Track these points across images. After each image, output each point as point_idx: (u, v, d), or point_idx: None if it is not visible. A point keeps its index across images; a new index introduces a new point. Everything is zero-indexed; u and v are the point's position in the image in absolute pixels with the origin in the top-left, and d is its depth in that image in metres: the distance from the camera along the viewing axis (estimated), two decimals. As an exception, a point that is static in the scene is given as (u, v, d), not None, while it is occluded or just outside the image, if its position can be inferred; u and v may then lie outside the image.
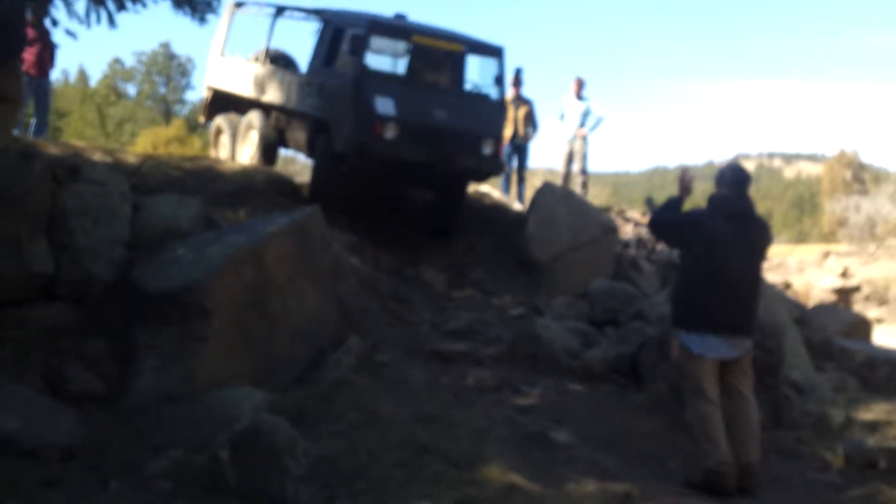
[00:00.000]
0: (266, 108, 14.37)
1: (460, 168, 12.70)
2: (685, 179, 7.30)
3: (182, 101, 58.81)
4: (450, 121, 12.30)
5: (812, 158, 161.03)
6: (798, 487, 6.95)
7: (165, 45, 58.32)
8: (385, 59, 13.90)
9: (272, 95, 14.17)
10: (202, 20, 10.54)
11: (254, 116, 14.56)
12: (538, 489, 5.71)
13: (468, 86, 13.54)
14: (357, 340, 8.36)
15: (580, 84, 16.80)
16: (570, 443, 6.93)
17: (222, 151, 15.67)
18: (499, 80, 13.31)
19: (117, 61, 59.06)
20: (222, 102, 15.94)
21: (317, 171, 13.01)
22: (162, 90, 58.20)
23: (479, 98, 13.35)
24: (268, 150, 14.36)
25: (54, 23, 12.95)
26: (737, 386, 6.91)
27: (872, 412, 8.55)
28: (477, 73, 13.94)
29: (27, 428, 5.97)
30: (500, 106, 13.51)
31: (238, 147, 14.96)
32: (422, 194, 13.99)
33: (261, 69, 14.63)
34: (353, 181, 12.75)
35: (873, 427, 8.17)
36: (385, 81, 12.46)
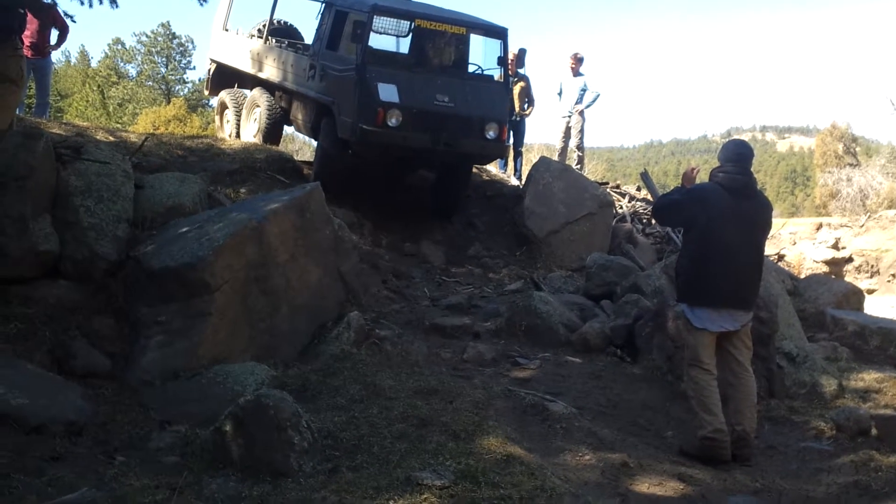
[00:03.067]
0: (270, 86, 14.33)
1: (464, 153, 12.63)
2: (690, 176, 7.37)
3: (183, 81, 58.42)
4: (453, 106, 12.17)
5: (804, 132, 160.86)
6: (791, 455, 7.05)
7: (166, 25, 57.81)
8: (388, 39, 13.62)
9: (275, 74, 14.11)
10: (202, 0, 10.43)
11: (258, 94, 14.55)
12: (537, 459, 5.79)
13: (472, 68, 13.38)
14: (358, 316, 8.44)
15: (578, 60, 16.79)
16: (568, 414, 7.00)
17: (227, 127, 15.70)
18: (502, 62, 13.15)
19: (118, 42, 58.76)
20: (226, 76, 15.93)
21: (321, 156, 12.92)
22: (162, 70, 57.79)
23: (483, 80, 13.20)
24: (272, 129, 14.35)
25: (53, 4, 12.86)
26: (736, 356, 7.00)
27: (864, 381, 8.61)
28: (480, 54, 13.80)
29: (34, 404, 6.06)
30: (505, 88, 13.37)
31: (243, 124, 14.99)
32: (425, 175, 13.95)
33: (263, 46, 14.57)
34: (357, 165, 12.72)
35: (865, 395, 8.24)
36: (388, 66, 12.32)
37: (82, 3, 8.95)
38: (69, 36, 13.88)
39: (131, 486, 5.15)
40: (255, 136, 14.47)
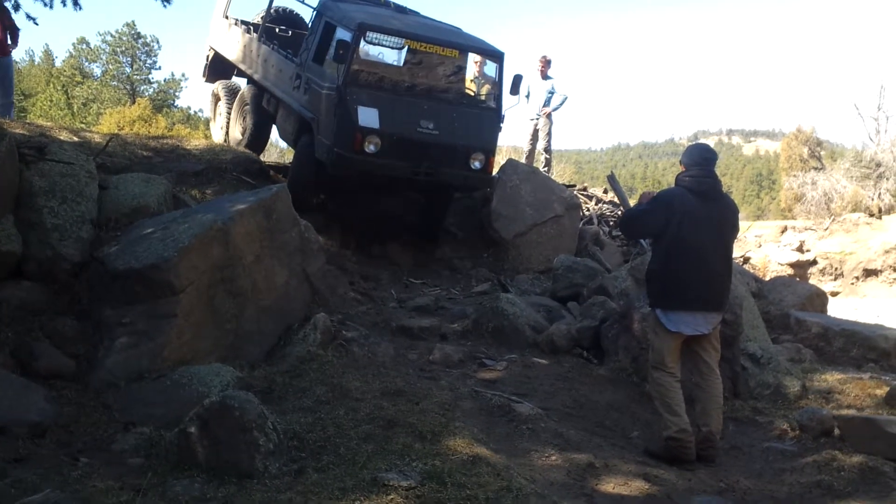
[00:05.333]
0: (260, 87, 14.04)
1: (446, 183, 12.12)
2: (648, 196, 7.46)
3: (148, 81, 57.88)
4: (437, 133, 11.59)
5: (770, 135, 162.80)
6: (755, 455, 7.10)
7: (131, 25, 57.05)
8: (376, 55, 12.90)
9: (265, 76, 13.77)
10: (167, 1, 10.39)
11: (248, 93, 14.40)
12: (503, 460, 5.80)
13: (466, 91, 12.92)
14: (324, 317, 8.40)
15: (546, 63, 16.81)
16: (534, 415, 7.04)
17: (219, 119, 15.61)
18: (496, 86, 12.64)
19: (82, 41, 58.17)
20: (224, 65, 15.71)
21: (296, 172, 12.39)
22: (127, 70, 57.25)
23: (473, 106, 12.66)
24: (258, 133, 14.25)
25: (16, 6, 12.79)
26: (704, 358, 7.05)
27: (827, 382, 8.69)
28: (474, 75, 13.58)
29: (-4, 405, 6.01)
30: (497, 115, 12.56)
31: (232, 120, 14.86)
32: (405, 199, 13.53)
33: (257, 43, 14.24)
34: (333, 186, 12.34)
35: (828, 396, 8.32)
36: (372, 88, 11.58)
37: (45, 4, 8.91)
38: (20, 37, 13.80)
39: (95, 487, 5.11)
40: (241, 135, 14.41)
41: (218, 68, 16.06)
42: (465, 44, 12.74)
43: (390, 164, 11.33)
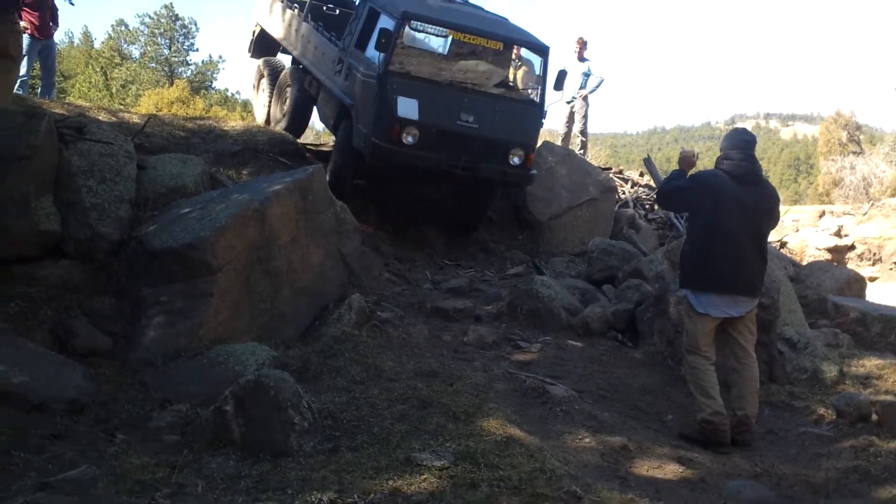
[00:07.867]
0: (304, 68, 13.95)
1: (483, 178, 11.75)
2: (691, 160, 7.41)
3: (185, 63, 58.20)
4: (477, 127, 11.29)
5: (808, 119, 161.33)
6: (791, 440, 7.05)
7: (169, 7, 57.48)
8: (423, 38, 12.54)
9: (308, 57, 13.61)
10: None
11: (290, 74, 14.37)
12: (536, 441, 5.81)
13: (508, 84, 12.53)
14: (359, 297, 8.43)
15: (583, 45, 16.66)
16: (568, 397, 7.02)
17: (261, 96, 15.57)
18: (540, 81, 12.17)
19: (121, 23, 58.61)
20: (270, 41, 15.65)
21: (335, 161, 12.12)
22: (165, 52, 57.60)
23: (516, 101, 12.15)
24: (299, 116, 14.20)
25: None
26: (741, 342, 7.02)
27: (865, 367, 8.62)
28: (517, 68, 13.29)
29: (35, 382, 6.08)
30: (540, 110, 12.15)
31: (274, 100, 14.86)
32: (444, 192, 13.11)
33: (301, 23, 14.07)
34: (372, 174, 12.21)
35: (865, 382, 8.25)
36: (413, 78, 11.21)
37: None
38: (59, 19, 14.06)
39: (132, 463, 5.16)
40: (282, 115, 14.40)
41: (263, 45, 16.00)
42: (509, 36, 12.38)
43: (428, 156, 11.09)
